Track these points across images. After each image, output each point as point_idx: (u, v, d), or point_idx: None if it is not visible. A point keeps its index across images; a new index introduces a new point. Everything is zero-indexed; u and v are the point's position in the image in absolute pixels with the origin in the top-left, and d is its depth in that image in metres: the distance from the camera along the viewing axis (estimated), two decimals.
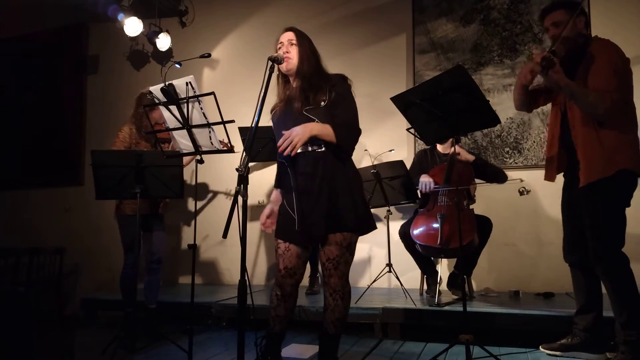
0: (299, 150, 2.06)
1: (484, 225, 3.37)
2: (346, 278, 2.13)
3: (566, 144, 2.43)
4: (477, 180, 3.46)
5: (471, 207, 3.46)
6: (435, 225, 3.20)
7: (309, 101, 2.11)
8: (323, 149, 2.09)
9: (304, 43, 2.19)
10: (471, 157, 3.52)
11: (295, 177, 2.12)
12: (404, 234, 3.50)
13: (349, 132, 2.12)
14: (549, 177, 2.54)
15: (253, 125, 1.98)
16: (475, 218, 3.29)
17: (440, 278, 3.32)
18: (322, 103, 2.09)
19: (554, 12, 2.41)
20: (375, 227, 2.17)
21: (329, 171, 2.08)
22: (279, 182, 2.27)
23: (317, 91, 2.11)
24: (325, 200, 2.06)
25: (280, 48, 2.19)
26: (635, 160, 2.29)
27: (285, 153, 2.00)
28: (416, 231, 3.30)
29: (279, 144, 2.02)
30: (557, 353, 2.57)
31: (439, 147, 3.74)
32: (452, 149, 3.40)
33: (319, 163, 2.08)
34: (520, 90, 2.54)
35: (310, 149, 2.09)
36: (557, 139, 2.48)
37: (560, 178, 2.59)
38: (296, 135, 1.99)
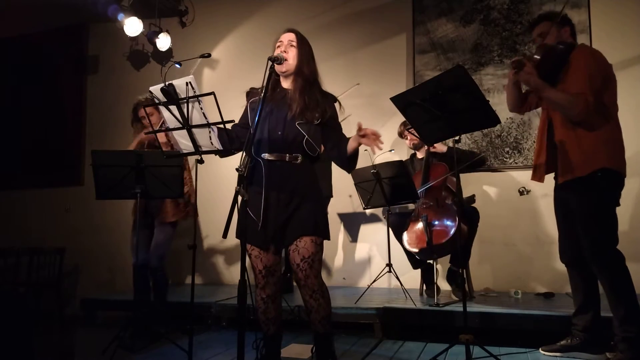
0: (272, 158, 2.15)
1: (470, 216, 3.40)
2: (320, 276, 2.18)
3: (552, 145, 2.52)
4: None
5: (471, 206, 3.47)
6: (420, 227, 3.28)
7: (305, 107, 2.14)
8: (299, 160, 2.16)
9: (304, 46, 2.21)
10: (444, 148, 3.58)
11: (270, 178, 2.13)
12: (392, 223, 3.62)
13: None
14: (537, 177, 2.60)
15: (253, 125, 1.99)
16: (457, 210, 3.29)
17: (437, 270, 3.34)
18: (315, 121, 2.16)
19: (539, 24, 2.59)
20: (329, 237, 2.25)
21: (302, 179, 2.16)
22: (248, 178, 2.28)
23: (316, 103, 2.17)
24: (299, 205, 2.13)
25: (279, 47, 2.20)
26: (615, 159, 2.36)
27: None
28: (407, 241, 3.40)
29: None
30: (557, 354, 2.57)
31: (417, 154, 3.84)
32: (427, 150, 3.52)
33: (296, 171, 2.14)
34: (509, 90, 2.67)
35: (287, 159, 2.15)
36: (544, 141, 2.57)
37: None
38: None
